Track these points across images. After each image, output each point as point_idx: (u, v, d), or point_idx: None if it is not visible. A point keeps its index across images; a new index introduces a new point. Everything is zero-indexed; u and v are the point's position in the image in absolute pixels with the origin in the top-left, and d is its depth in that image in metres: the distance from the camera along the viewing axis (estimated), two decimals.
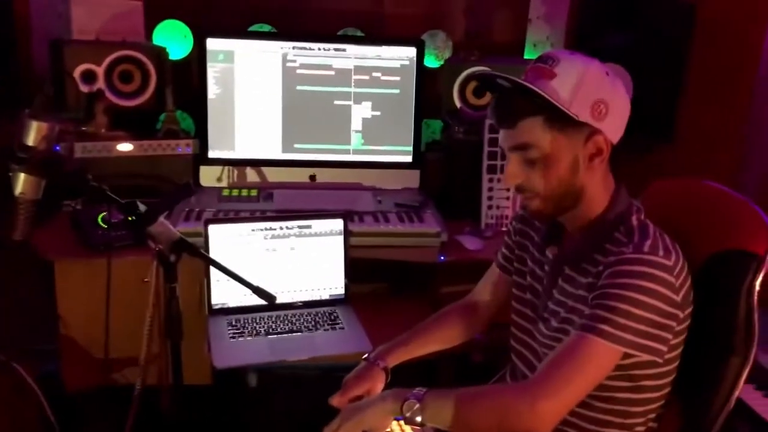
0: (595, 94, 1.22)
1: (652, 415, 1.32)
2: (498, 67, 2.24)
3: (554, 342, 1.33)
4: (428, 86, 2.36)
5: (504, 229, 2.20)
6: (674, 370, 1.29)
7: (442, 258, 1.99)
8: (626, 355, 1.20)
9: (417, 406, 1.19)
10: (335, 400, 1.46)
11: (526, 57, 2.62)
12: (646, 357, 1.21)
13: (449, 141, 2.35)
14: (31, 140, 1.21)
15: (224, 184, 2.27)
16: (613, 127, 1.26)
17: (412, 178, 2.36)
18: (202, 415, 1.98)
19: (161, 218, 1.39)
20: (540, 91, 1.20)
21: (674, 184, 1.48)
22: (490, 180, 2.21)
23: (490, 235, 2.17)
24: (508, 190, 2.21)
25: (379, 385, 1.50)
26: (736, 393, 1.28)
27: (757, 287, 1.25)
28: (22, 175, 1.22)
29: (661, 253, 1.20)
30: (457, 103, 2.35)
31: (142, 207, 1.34)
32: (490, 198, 2.22)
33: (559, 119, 1.22)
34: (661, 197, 1.47)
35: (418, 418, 1.19)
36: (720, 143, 2.46)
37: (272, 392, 1.97)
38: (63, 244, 1.95)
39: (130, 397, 1.92)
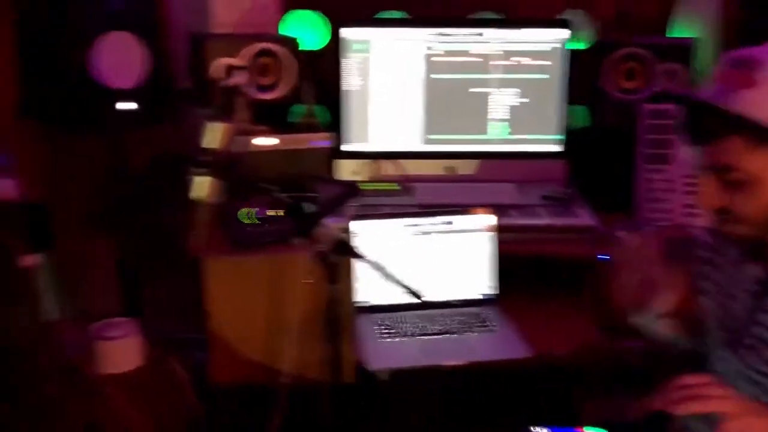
0: None
1: None
2: (648, 44, 2.11)
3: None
4: (573, 70, 2.21)
5: (664, 224, 2.03)
6: None
7: (602, 257, 1.84)
8: None
9: None
10: None
11: (674, 35, 2.42)
12: None
13: (602, 128, 2.19)
14: (213, 142, 1.17)
15: (362, 177, 2.21)
16: None
17: (558, 169, 2.22)
18: (353, 414, 1.94)
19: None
20: (739, 113, 1.04)
21: None
22: (648, 171, 2.04)
23: (648, 230, 2.00)
24: (667, 181, 2.04)
25: None
26: None
27: None
28: (207, 179, 1.18)
29: None
30: (608, 87, 2.18)
31: (308, 207, 1.29)
32: (648, 190, 2.05)
33: (763, 136, 1.05)
34: None
35: None
36: None
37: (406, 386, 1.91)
38: (210, 241, 1.94)
39: (277, 395, 1.90)
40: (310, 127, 2.22)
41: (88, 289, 2.34)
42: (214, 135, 1.17)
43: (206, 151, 1.18)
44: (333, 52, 2.19)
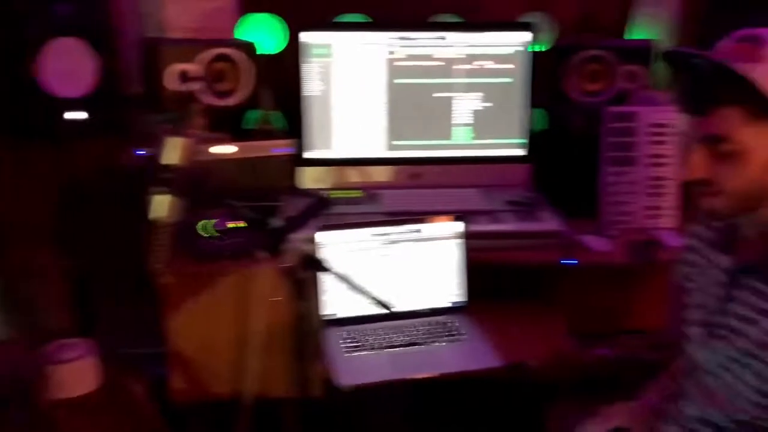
0: None
1: None
2: (609, 47, 2.11)
3: (739, 366, 1.18)
4: (535, 73, 2.19)
5: (628, 227, 2.03)
6: None
7: (569, 262, 1.83)
8: None
9: None
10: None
11: (633, 37, 2.43)
12: None
13: (562, 131, 2.18)
14: (173, 158, 1.11)
15: (325, 185, 2.16)
16: None
17: (522, 174, 2.20)
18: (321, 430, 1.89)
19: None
20: (752, 79, 1.04)
21: None
22: (612, 174, 2.04)
23: (614, 234, 2.00)
24: (631, 184, 2.04)
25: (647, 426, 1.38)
26: None
27: None
28: (167, 198, 1.12)
29: None
30: (570, 90, 2.17)
31: (274, 222, 1.23)
32: (612, 194, 2.04)
33: (763, 110, 1.05)
34: None
35: None
36: None
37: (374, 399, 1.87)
38: (168, 253, 1.86)
39: (241, 412, 1.84)
40: (267, 134, 2.16)
41: (39, 306, 2.23)
42: (173, 150, 1.11)
43: (166, 167, 1.11)
44: (291, 56, 2.14)
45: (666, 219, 2.04)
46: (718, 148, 1.10)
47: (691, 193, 1.20)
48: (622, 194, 2.04)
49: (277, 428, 1.89)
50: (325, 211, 1.42)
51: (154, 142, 1.09)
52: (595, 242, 1.93)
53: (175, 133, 1.11)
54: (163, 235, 1.12)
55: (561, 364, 1.66)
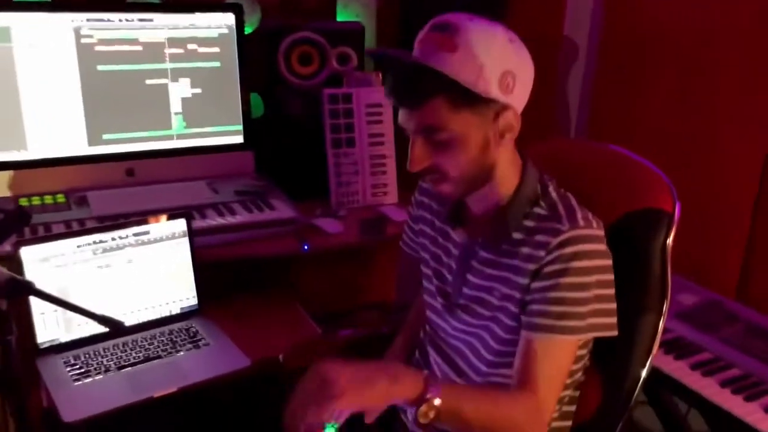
0: (502, 65, 1.11)
1: (576, 384, 1.30)
2: (319, 29, 2.10)
3: (483, 331, 1.24)
4: (248, 56, 2.11)
5: (357, 205, 2.07)
6: (591, 339, 1.27)
7: (306, 248, 1.80)
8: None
9: (434, 406, 1.01)
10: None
11: (339, 19, 2.47)
12: (603, 335, 1.18)
13: (282, 116, 2.13)
14: None
15: (20, 192, 1.85)
16: (521, 98, 1.17)
17: (246, 161, 2.12)
18: None
19: None
20: (444, 72, 1.08)
21: (570, 145, 1.45)
22: (336, 155, 2.06)
23: (344, 214, 2.02)
24: (355, 164, 2.07)
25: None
26: (654, 350, 1.28)
27: (670, 243, 1.25)
28: None
29: (594, 224, 1.17)
30: (284, 73, 2.13)
31: None
32: (338, 175, 2.06)
33: (465, 97, 1.10)
34: (560, 159, 1.42)
35: (426, 416, 1.01)
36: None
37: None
38: None
39: None
40: None
41: None
42: None
43: None
44: None
45: (390, 195, 2.11)
46: (434, 137, 1.13)
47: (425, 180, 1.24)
48: (347, 175, 2.07)
49: None
50: (25, 225, 1.19)
51: None
52: (328, 224, 1.92)
53: None
54: None
55: (309, 352, 1.63)
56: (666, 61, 2.25)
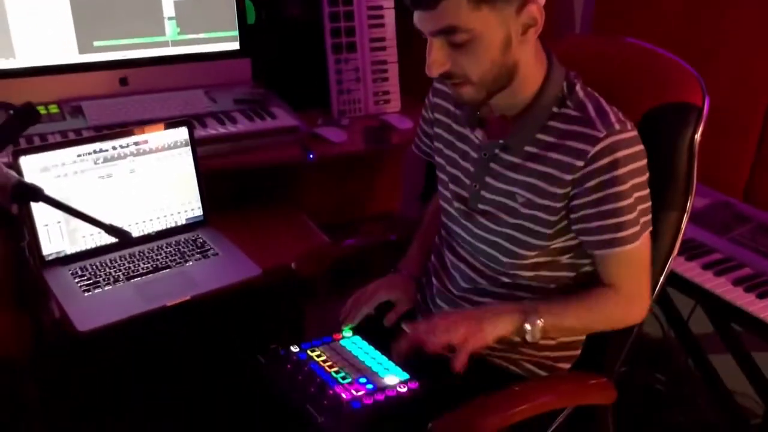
0: None
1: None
2: None
3: (503, 237, 1.22)
4: None
5: (359, 114, 2.01)
6: None
7: (311, 156, 1.76)
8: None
9: (538, 323, 1.15)
10: (356, 310, 1.35)
11: None
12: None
13: (278, 21, 2.04)
14: None
15: (11, 101, 1.77)
16: None
17: (243, 69, 2.04)
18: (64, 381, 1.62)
19: None
20: None
21: (588, 40, 1.40)
22: (337, 61, 1.98)
23: (347, 123, 1.97)
24: (356, 70, 2.00)
25: (410, 295, 1.39)
26: (677, 247, 1.27)
27: (698, 139, 1.22)
28: None
29: (629, 126, 1.14)
30: None
31: None
32: (339, 82, 2.00)
33: None
34: (578, 55, 1.36)
35: (534, 336, 1.15)
36: None
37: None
38: None
39: None
40: None
41: None
42: None
43: None
44: None
45: (393, 103, 2.05)
46: (452, 39, 1.07)
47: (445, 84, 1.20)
48: (348, 82, 2.00)
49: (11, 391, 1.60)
50: (34, 122, 1.13)
51: None
52: (332, 134, 1.87)
53: None
54: None
55: (319, 259, 1.61)
56: None
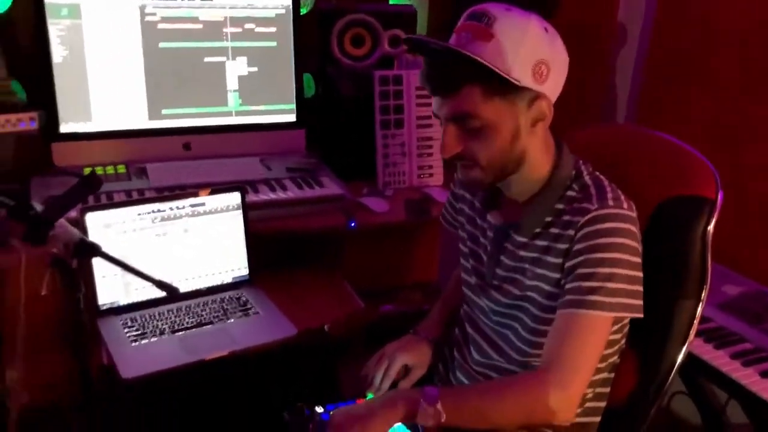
0: (536, 55, 1.14)
1: (611, 366, 1.33)
2: (372, 11, 2.15)
3: (515, 311, 1.28)
4: (302, 37, 2.17)
5: (403, 186, 2.11)
6: (627, 323, 1.30)
7: (353, 224, 1.86)
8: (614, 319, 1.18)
9: (433, 410, 1.09)
10: (378, 372, 1.39)
11: (392, 2, 2.50)
12: (630, 316, 1.20)
13: (332, 96, 2.18)
14: None
15: (84, 162, 1.95)
16: (554, 87, 1.19)
17: (298, 140, 2.18)
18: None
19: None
20: (480, 59, 1.10)
21: (615, 129, 1.47)
22: (384, 136, 2.10)
23: (390, 194, 2.07)
24: (402, 145, 2.12)
25: (427, 361, 1.44)
26: (691, 336, 1.30)
27: (711, 230, 1.26)
28: None
29: (625, 205, 1.20)
30: (337, 54, 2.18)
31: (38, 207, 1.08)
32: (385, 156, 2.11)
33: (500, 85, 1.13)
34: (594, 147, 1.44)
35: (433, 422, 1.09)
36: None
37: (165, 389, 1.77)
38: None
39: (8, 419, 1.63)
40: (10, 107, 1.89)
41: None
42: None
43: None
44: (27, 18, 1.88)
45: (435, 177, 2.15)
46: (466, 124, 1.17)
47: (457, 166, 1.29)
48: (394, 155, 2.11)
49: None
50: (96, 189, 1.27)
51: None
52: (375, 203, 1.98)
53: None
54: None
55: (352, 323, 1.69)
56: (725, 48, 2.21)
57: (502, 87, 1.13)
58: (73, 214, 1.61)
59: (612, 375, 1.35)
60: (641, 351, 1.34)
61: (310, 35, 2.19)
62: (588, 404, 1.33)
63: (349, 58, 2.18)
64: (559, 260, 1.20)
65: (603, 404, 1.36)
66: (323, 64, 2.18)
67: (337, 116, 2.18)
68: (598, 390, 1.34)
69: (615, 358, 1.33)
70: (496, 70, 1.11)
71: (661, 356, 1.31)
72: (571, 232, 1.18)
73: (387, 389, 1.39)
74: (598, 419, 1.36)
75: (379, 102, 2.09)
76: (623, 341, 1.32)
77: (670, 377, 1.30)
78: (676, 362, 1.30)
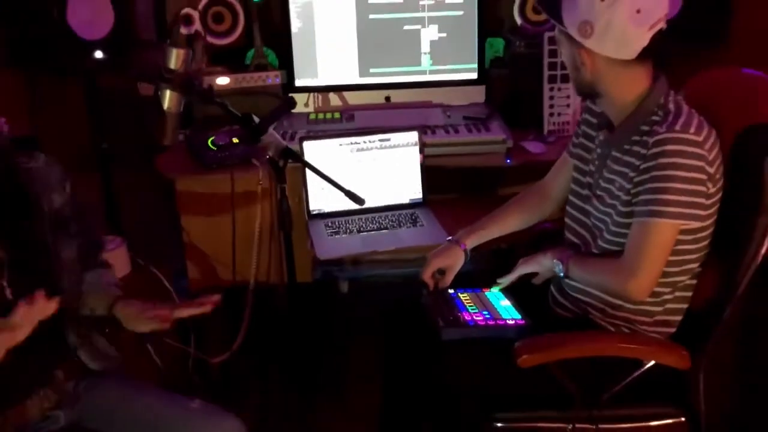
0: (582, 15, 1.44)
1: (690, 273, 1.56)
2: None
3: (606, 216, 1.57)
4: (489, 6, 2.55)
5: (566, 135, 2.41)
6: (710, 235, 1.52)
7: (508, 161, 2.22)
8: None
9: (561, 266, 1.61)
10: (423, 274, 1.77)
11: None
12: (693, 224, 1.44)
13: (512, 56, 2.54)
14: (173, 64, 1.50)
15: (311, 109, 2.55)
16: (602, 44, 1.45)
17: (478, 94, 2.58)
18: (307, 311, 2.27)
19: (271, 129, 1.68)
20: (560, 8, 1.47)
21: (716, 74, 1.67)
22: (551, 89, 2.41)
23: (552, 140, 2.38)
24: (567, 97, 2.41)
25: (459, 262, 1.80)
26: (764, 249, 1.49)
27: None
28: (168, 92, 1.52)
29: (692, 130, 1.42)
30: (518, 20, 2.52)
31: (255, 119, 1.63)
32: (551, 106, 2.42)
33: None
34: (702, 85, 1.66)
35: (561, 274, 1.62)
36: None
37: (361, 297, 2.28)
38: (181, 166, 2.27)
39: (244, 295, 2.26)
40: (262, 67, 2.53)
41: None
42: (174, 57, 1.50)
43: (169, 70, 1.50)
44: (276, 1, 2.51)
45: None
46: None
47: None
48: (559, 107, 2.41)
49: (271, 311, 2.30)
50: (291, 108, 1.79)
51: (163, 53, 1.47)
52: (533, 146, 2.31)
53: (175, 45, 1.48)
54: (170, 121, 1.50)
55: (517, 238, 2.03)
56: None
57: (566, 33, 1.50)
58: (296, 145, 2.19)
59: (694, 282, 1.58)
60: (722, 261, 1.55)
61: (491, 4, 2.56)
62: (668, 305, 1.58)
63: (529, 23, 2.52)
64: (634, 174, 1.48)
65: (685, 306, 1.59)
66: (505, 29, 2.55)
67: (514, 73, 2.53)
68: (679, 294, 1.58)
69: (696, 266, 1.55)
70: (562, 19, 1.48)
71: (737, 265, 1.51)
72: (644, 150, 1.45)
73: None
74: (679, 318, 1.60)
75: (547, 59, 2.40)
76: (704, 252, 1.54)
77: (744, 280, 1.50)
78: (749, 270, 1.50)
